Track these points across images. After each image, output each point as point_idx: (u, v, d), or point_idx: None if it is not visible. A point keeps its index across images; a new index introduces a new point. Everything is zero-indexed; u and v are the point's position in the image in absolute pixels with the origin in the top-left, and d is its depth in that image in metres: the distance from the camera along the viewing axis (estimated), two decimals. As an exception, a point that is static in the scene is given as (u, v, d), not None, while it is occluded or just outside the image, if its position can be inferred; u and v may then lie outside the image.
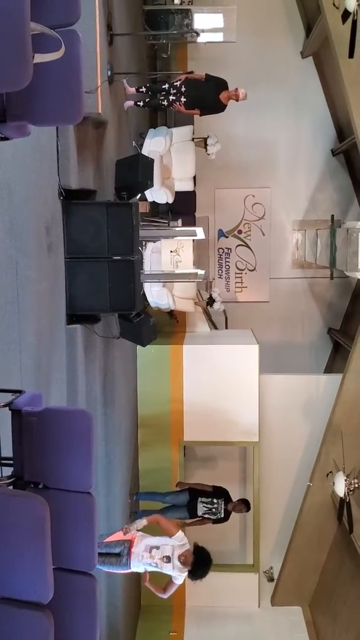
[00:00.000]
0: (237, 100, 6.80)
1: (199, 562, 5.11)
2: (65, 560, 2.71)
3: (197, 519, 7.44)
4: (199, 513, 7.37)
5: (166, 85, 6.76)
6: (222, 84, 6.81)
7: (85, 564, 2.80)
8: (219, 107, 6.88)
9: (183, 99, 6.70)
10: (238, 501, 7.51)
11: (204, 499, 7.39)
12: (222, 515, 7.39)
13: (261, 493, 8.59)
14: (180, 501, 7.48)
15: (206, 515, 7.38)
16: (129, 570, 5.10)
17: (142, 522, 5.29)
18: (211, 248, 10.76)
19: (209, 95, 6.81)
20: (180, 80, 6.70)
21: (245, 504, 7.52)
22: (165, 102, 6.82)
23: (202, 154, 9.01)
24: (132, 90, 6.76)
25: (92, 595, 2.76)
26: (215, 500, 7.37)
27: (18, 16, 2.01)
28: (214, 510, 7.36)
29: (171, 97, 6.71)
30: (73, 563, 2.76)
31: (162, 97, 6.77)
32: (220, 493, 7.47)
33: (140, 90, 6.83)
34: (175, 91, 6.69)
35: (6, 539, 2.24)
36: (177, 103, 6.71)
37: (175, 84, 6.71)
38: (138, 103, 6.89)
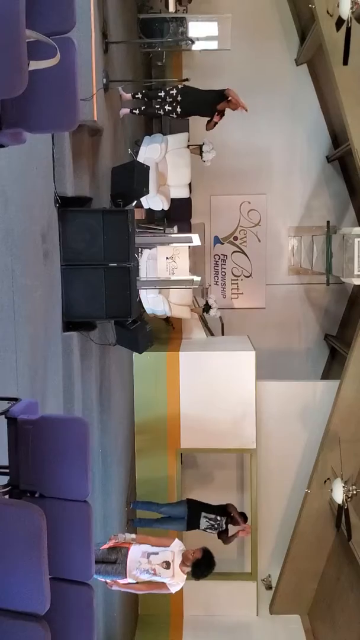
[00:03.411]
0: (233, 109, 6.86)
1: (206, 560, 5.12)
2: (62, 570, 2.68)
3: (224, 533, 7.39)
4: (202, 527, 7.32)
5: (162, 93, 6.79)
6: (219, 95, 6.88)
7: (82, 573, 2.78)
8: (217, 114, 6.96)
9: (178, 109, 6.76)
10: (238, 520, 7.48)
11: (207, 515, 7.34)
12: (224, 529, 7.35)
13: (259, 500, 8.56)
14: (177, 513, 7.41)
15: (208, 530, 7.34)
16: (125, 580, 5.05)
17: (131, 536, 5.27)
18: (207, 254, 10.78)
19: (204, 104, 6.86)
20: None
21: (242, 517, 7.51)
22: (161, 112, 6.86)
23: (198, 161, 9.03)
24: (128, 96, 6.78)
25: (89, 605, 2.74)
26: (219, 518, 7.33)
27: (13, 23, 2.01)
28: (216, 526, 7.32)
29: (167, 107, 6.76)
30: (70, 573, 2.74)
31: (158, 106, 6.81)
32: (224, 511, 7.41)
33: (136, 96, 6.86)
34: (171, 99, 6.73)
35: (2, 549, 2.22)
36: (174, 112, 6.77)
37: (171, 92, 6.75)
38: (134, 111, 6.93)
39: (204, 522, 7.29)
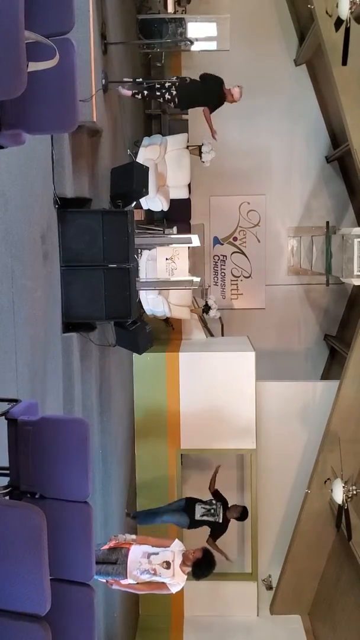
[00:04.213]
0: (233, 100, 6.87)
1: (206, 560, 5.13)
2: (62, 571, 2.68)
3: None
4: (197, 516, 7.34)
5: (158, 86, 6.79)
6: (218, 82, 6.89)
7: (83, 574, 2.78)
8: (220, 100, 6.96)
9: (176, 99, 6.76)
10: (234, 505, 7.52)
11: (202, 503, 7.38)
12: (221, 520, 7.36)
13: (259, 500, 8.56)
14: (176, 507, 7.47)
15: (204, 518, 7.35)
16: (125, 581, 5.05)
17: (131, 536, 5.27)
18: (206, 255, 10.77)
19: (201, 94, 6.87)
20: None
21: (239, 511, 7.52)
22: (160, 99, 6.85)
23: (197, 162, 9.04)
24: (129, 93, 6.77)
25: (90, 606, 2.74)
26: (213, 501, 7.37)
27: (12, 24, 2.01)
28: (212, 511, 7.34)
29: (167, 95, 6.75)
30: (70, 574, 2.74)
31: (159, 93, 6.79)
32: (219, 496, 7.46)
33: (137, 95, 6.85)
34: (170, 85, 6.73)
35: (2, 550, 2.22)
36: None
37: (171, 79, 6.75)
38: (136, 95, 6.85)
39: (199, 510, 7.34)
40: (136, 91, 6.80)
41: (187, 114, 9.38)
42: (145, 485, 8.37)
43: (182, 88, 6.73)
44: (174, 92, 6.70)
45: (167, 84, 6.72)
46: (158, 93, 6.76)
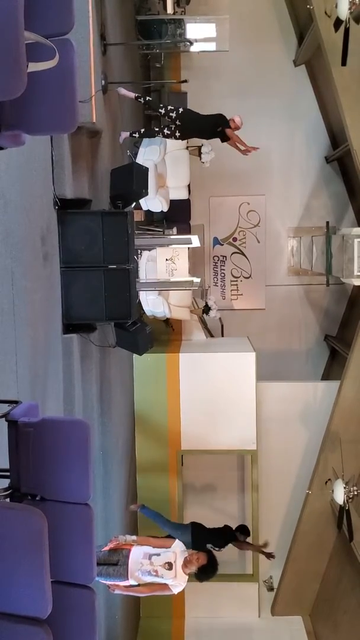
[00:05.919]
0: (236, 127, 6.87)
1: (211, 565, 5.16)
2: (63, 573, 2.67)
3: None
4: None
5: (162, 110, 6.78)
6: (221, 120, 6.86)
7: (84, 576, 2.77)
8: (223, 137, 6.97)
9: (178, 133, 6.77)
10: (242, 540, 7.50)
11: (209, 539, 7.25)
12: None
13: (260, 501, 8.55)
14: (180, 538, 7.30)
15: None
16: (126, 582, 5.04)
17: (132, 537, 5.26)
18: (206, 256, 10.78)
19: (203, 130, 6.88)
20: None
21: (243, 533, 7.51)
22: (160, 135, 6.90)
23: (197, 162, 9.03)
24: (132, 95, 6.78)
25: (91, 609, 2.73)
26: (223, 550, 7.30)
27: (12, 25, 2.01)
28: (217, 549, 7.28)
29: (166, 131, 6.77)
30: (71, 576, 2.73)
31: (158, 129, 6.86)
32: (226, 537, 7.41)
33: (139, 99, 6.86)
34: (169, 120, 6.74)
35: (3, 552, 2.21)
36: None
37: (171, 114, 6.72)
38: (134, 135, 6.97)
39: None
40: (139, 95, 6.83)
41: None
42: (146, 486, 8.36)
43: (184, 123, 6.72)
44: (174, 128, 6.70)
45: (167, 118, 6.71)
46: (157, 129, 6.80)
